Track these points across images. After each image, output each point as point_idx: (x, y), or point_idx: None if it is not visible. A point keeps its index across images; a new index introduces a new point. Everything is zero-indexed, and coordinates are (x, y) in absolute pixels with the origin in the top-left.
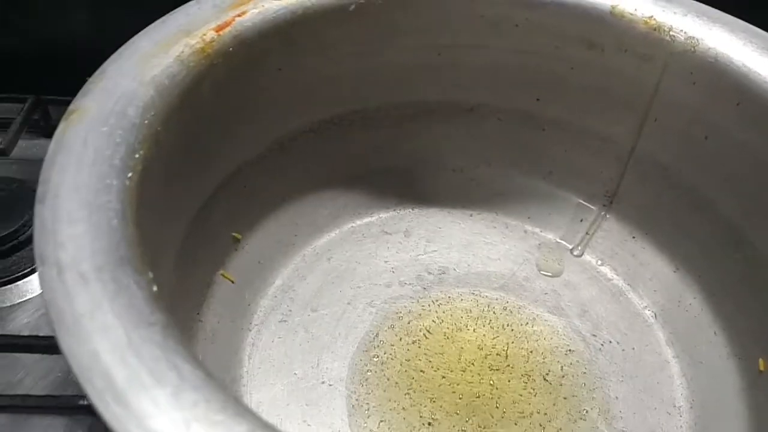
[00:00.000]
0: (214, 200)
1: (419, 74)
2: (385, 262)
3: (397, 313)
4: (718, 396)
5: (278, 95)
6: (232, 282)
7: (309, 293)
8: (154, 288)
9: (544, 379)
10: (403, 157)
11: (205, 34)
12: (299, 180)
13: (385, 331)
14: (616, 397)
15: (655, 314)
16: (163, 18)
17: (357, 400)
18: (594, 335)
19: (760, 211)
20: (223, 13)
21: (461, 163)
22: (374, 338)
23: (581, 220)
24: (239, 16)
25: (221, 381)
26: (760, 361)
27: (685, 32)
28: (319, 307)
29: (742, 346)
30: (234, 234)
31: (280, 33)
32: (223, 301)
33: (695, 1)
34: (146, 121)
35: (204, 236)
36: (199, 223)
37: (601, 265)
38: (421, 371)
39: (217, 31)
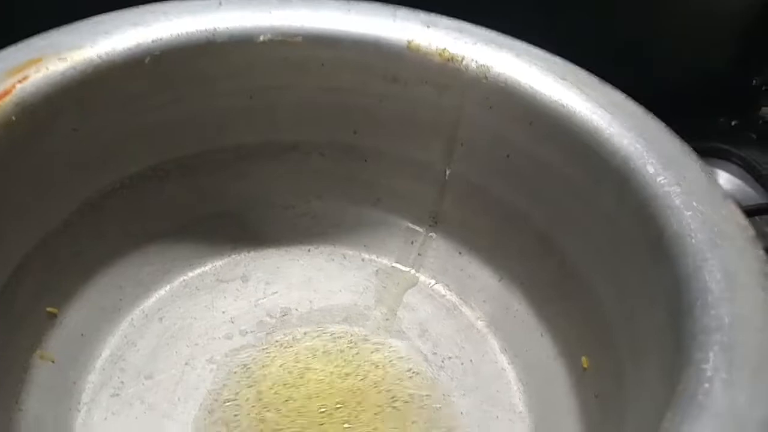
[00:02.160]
0: (16, 280)
1: (234, 118)
2: (223, 312)
3: (240, 365)
4: (552, 396)
5: (78, 156)
6: (53, 362)
7: (141, 360)
8: None
9: (392, 406)
10: (232, 201)
11: None
12: (118, 239)
13: (229, 386)
14: (461, 412)
15: (488, 324)
16: None
17: None
18: (435, 353)
19: (564, 220)
20: (1, 81)
21: (292, 200)
22: (218, 397)
23: (412, 242)
24: (20, 82)
25: None
26: (583, 358)
27: (476, 61)
28: (154, 373)
29: (567, 346)
30: (49, 309)
31: (69, 94)
32: (44, 384)
33: (486, 30)
34: None
35: (11, 319)
36: (2, 306)
37: (435, 283)
38: (272, 423)
39: None
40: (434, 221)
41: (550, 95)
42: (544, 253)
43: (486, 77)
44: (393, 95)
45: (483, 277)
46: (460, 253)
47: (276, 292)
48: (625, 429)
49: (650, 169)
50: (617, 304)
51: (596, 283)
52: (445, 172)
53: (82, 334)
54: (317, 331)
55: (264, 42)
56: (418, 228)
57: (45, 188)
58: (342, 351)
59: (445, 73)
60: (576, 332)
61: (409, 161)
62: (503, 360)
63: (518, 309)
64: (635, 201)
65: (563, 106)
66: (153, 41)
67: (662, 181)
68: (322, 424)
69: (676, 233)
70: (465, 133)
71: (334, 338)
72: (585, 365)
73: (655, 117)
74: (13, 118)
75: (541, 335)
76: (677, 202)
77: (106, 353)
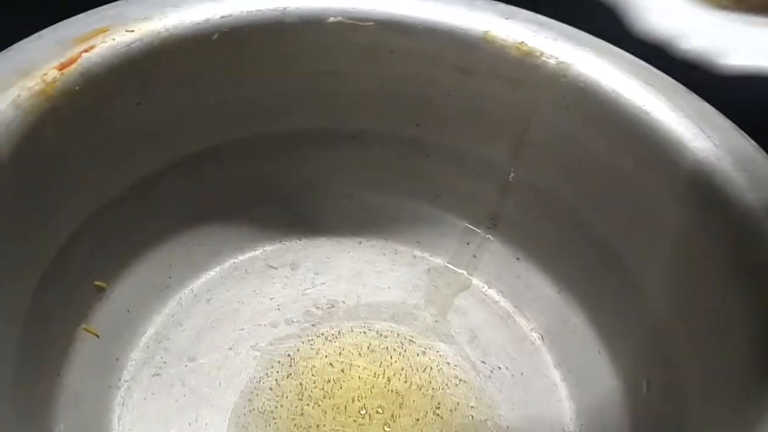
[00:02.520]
0: (68, 251)
1: (297, 102)
2: (271, 299)
3: (283, 355)
4: (606, 417)
5: (139, 131)
6: (97, 336)
7: (186, 341)
8: None
9: (435, 413)
10: (287, 186)
11: (46, 74)
12: (171, 218)
13: (271, 376)
14: (507, 427)
15: (542, 336)
16: None
17: None
18: (483, 362)
19: (632, 232)
20: (67, 49)
21: (348, 191)
22: (258, 386)
23: (468, 243)
24: (86, 51)
25: None
26: (644, 382)
27: (555, 57)
28: (198, 356)
29: (626, 367)
30: (97, 283)
31: (134, 67)
32: (87, 358)
33: (566, 26)
34: None
35: (59, 290)
36: (52, 278)
37: (489, 288)
38: (311, 419)
39: (60, 70)
40: (493, 223)
41: (633, 100)
42: (609, 266)
43: (565, 76)
44: (463, 88)
45: (540, 285)
46: (517, 258)
47: (324, 283)
48: None
49: (736, 190)
50: (686, 331)
51: (664, 306)
52: (510, 172)
53: (128, 310)
54: (363, 327)
55: (333, 24)
56: (475, 229)
57: (103, 161)
58: (387, 350)
59: (521, 68)
60: (637, 354)
61: (473, 159)
62: (556, 375)
63: (576, 323)
64: (718, 223)
65: (647, 113)
66: (222, 17)
67: (750, 204)
68: (361, 425)
69: (765, 263)
70: (536, 133)
71: (380, 336)
72: (644, 390)
73: (746, 135)
74: (77, 88)
75: (599, 353)
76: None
77: (151, 331)
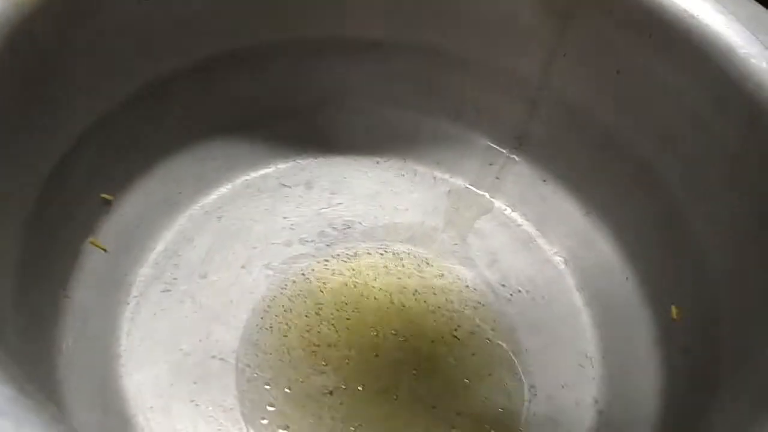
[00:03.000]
0: (72, 158)
1: (316, 5)
2: (284, 218)
3: (297, 274)
4: (631, 345)
5: (141, 32)
6: (105, 250)
7: (197, 258)
8: None
9: (452, 335)
10: (302, 99)
11: None
12: (181, 129)
13: (285, 295)
14: (527, 350)
15: (566, 260)
16: None
17: (252, 374)
18: (503, 285)
19: (674, 150)
20: None
21: (366, 106)
22: (272, 303)
23: (491, 164)
24: None
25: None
26: (673, 308)
27: None
28: (209, 273)
29: (655, 293)
30: (104, 195)
31: None
32: (94, 272)
33: None
34: None
35: (64, 200)
36: (55, 186)
37: (512, 211)
38: (325, 337)
39: None
40: (519, 143)
41: (678, 3)
42: (644, 187)
43: None
44: None
45: (567, 208)
46: (544, 180)
47: (340, 203)
48: (720, 393)
49: None
50: (721, 250)
51: (700, 225)
52: (540, 86)
53: (136, 225)
54: (380, 248)
55: None
56: (499, 148)
57: (104, 65)
58: (404, 272)
59: None
60: (668, 280)
61: (501, 72)
62: (579, 300)
63: (603, 248)
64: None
65: (693, 17)
66: None
67: None
68: (375, 345)
69: None
70: (571, 41)
71: (397, 258)
72: (675, 316)
73: None
74: None
75: (627, 279)
76: None
77: (160, 247)
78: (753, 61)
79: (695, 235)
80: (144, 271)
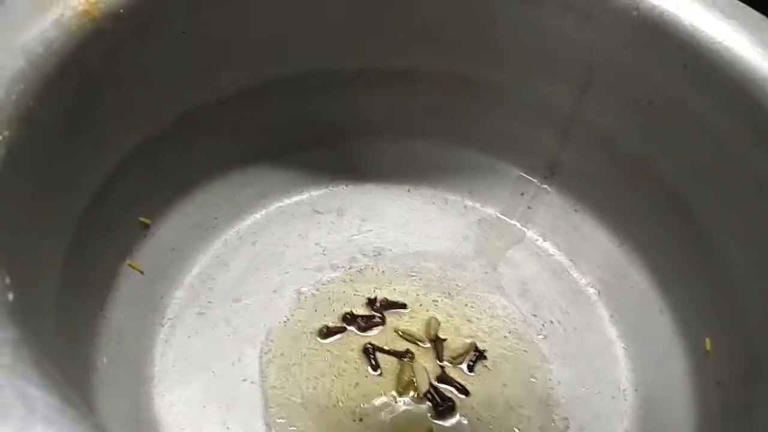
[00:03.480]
0: (113, 182)
1: (343, 36)
2: (316, 244)
3: (327, 299)
4: (664, 378)
5: (183, 61)
6: (141, 272)
7: (231, 282)
8: (10, 296)
9: (483, 364)
10: (334, 129)
11: None
12: (217, 156)
13: (315, 320)
14: (559, 382)
15: (599, 291)
16: None
17: (282, 398)
18: (535, 315)
19: (706, 182)
20: None
21: (397, 135)
22: (303, 329)
23: (522, 194)
24: None
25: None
26: (707, 340)
27: None
28: (242, 297)
29: (689, 325)
30: (142, 219)
31: None
32: (130, 294)
33: None
34: (13, 97)
35: (104, 223)
36: (96, 208)
37: (543, 240)
38: (352, 363)
39: None
40: (550, 172)
41: (713, 36)
42: (678, 219)
43: (638, 9)
44: (525, 21)
45: (599, 238)
46: (576, 210)
47: (371, 230)
48: (755, 424)
49: None
50: (756, 281)
51: (734, 257)
52: (572, 116)
53: (173, 249)
54: (410, 275)
55: None
56: (531, 178)
57: (147, 92)
58: (434, 299)
59: (591, 0)
60: (702, 310)
61: (531, 101)
62: (612, 332)
63: (637, 279)
64: None
65: (727, 49)
66: None
67: None
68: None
69: None
70: (603, 72)
71: (427, 285)
72: (708, 348)
73: None
74: (122, 10)
75: (660, 311)
76: None
77: (195, 270)
78: None
79: (729, 267)
80: (179, 294)
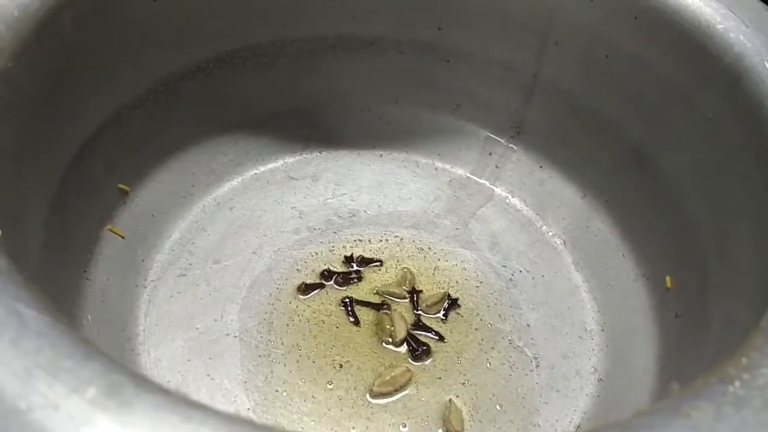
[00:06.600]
0: (91, 148)
1: (311, 5)
2: (292, 208)
3: (305, 258)
4: (628, 316)
5: (154, 30)
6: (122, 237)
7: (210, 245)
8: None
9: (456, 312)
10: (307, 97)
11: None
12: (192, 125)
13: (294, 278)
14: (528, 325)
15: (564, 241)
16: None
17: (264, 350)
18: (504, 266)
19: (662, 130)
20: None
21: (368, 102)
22: (282, 286)
23: (490, 154)
24: None
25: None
26: (667, 278)
27: None
28: (222, 259)
29: (650, 266)
30: (121, 186)
31: None
32: (112, 257)
33: None
34: None
35: (84, 188)
36: (75, 173)
37: (511, 197)
38: (332, 316)
39: None
40: (516, 131)
41: None
42: (636, 167)
43: None
44: None
45: (564, 192)
46: (541, 166)
47: (345, 194)
48: (707, 349)
49: (766, 67)
50: (711, 221)
51: (690, 198)
52: (534, 75)
53: (152, 215)
54: (384, 234)
55: None
56: (498, 138)
57: (121, 59)
58: (408, 255)
59: None
60: (662, 252)
61: (495, 63)
62: (578, 278)
63: (600, 227)
64: (744, 103)
65: None
66: None
67: None
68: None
69: None
70: (560, 30)
71: (401, 242)
72: (669, 285)
73: None
74: None
75: (623, 255)
76: None
77: (175, 235)
78: (729, 34)
79: (686, 208)
80: (160, 257)
